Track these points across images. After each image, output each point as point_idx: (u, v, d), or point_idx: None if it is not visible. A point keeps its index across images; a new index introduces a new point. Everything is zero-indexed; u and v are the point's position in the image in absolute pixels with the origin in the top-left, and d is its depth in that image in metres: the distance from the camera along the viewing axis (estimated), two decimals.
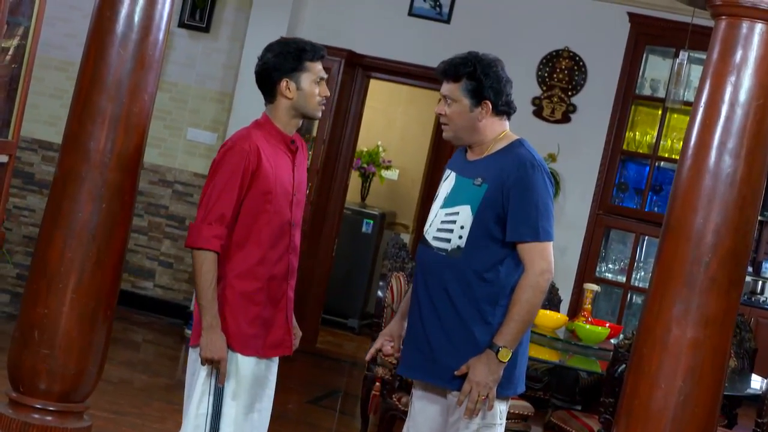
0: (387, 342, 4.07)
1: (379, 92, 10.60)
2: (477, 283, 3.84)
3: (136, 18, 3.64)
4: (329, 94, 4.05)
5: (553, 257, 3.85)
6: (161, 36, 3.71)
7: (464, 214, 3.86)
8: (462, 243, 3.85)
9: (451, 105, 3.88)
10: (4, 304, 8.66)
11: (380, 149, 11.04)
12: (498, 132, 3.92)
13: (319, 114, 4.07)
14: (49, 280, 3.68)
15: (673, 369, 3.27)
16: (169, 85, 9.30)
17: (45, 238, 3.70)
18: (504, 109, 3.91)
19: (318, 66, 3.99)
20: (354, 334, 10.24)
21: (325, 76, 4.03)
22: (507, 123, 3.96)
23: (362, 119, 9.44)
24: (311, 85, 3.99)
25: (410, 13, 8.90)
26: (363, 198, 11.00)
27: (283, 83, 3.97)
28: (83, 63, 3.68)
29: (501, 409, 3.87)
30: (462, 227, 3.86)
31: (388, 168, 11.10)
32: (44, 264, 3.70)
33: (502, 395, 3.84)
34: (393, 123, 11.56)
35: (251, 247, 3.96)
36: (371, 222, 10.30)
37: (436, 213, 3.96)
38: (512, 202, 3.80)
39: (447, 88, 3.89)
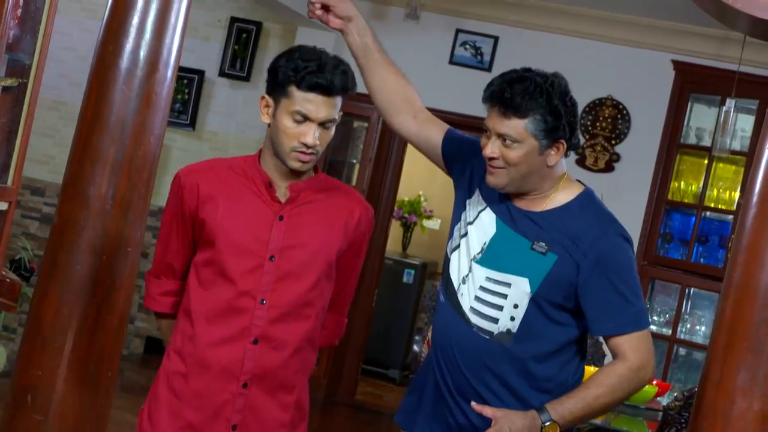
0: None
1: None
2: (524, 378, 3.00)
3: (142, 53, 3.28)
4: (312, 143, 2.90)
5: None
6: (170, 73, 3.40)
7: (519, 289, 2.96)
8: (514, 327, 2.98)
9: (511, 147, 2.94)
10: None
11: (422, 199, 10.89)
12: (560, 174, 3.04)
13: (295, 164, 2.93)
14: (43, 338, 3.24)
15: None
16: (209, 135, 9.27)
17: (39, 293, 3.30)
18: (574, 144, 3.01)
19: (309, 96, 2.88)
20: (395, 385, 10.08)
21: (315, 117, 2.90)
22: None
23: (403, 168, 9.32)
24: (285, 119, 2.91)
25: (451, 61, 8.78)
26: (404, 248, 10.86)
27: (262, 101, 2.98)
28: (84, 102, 3.40)
29: None
30: (515, 306, 2.97)
31: (429, 218, 10.94)
32: (38, 321, 3.28)
33: None
34: (434, 172, 11.27)
35: (192, 315, 3.03)
36: (412, 272, 10.15)
37: (470, 267, 3.04)
38: (602, 285, 2.93)
39: (507, 125, 2.93)
